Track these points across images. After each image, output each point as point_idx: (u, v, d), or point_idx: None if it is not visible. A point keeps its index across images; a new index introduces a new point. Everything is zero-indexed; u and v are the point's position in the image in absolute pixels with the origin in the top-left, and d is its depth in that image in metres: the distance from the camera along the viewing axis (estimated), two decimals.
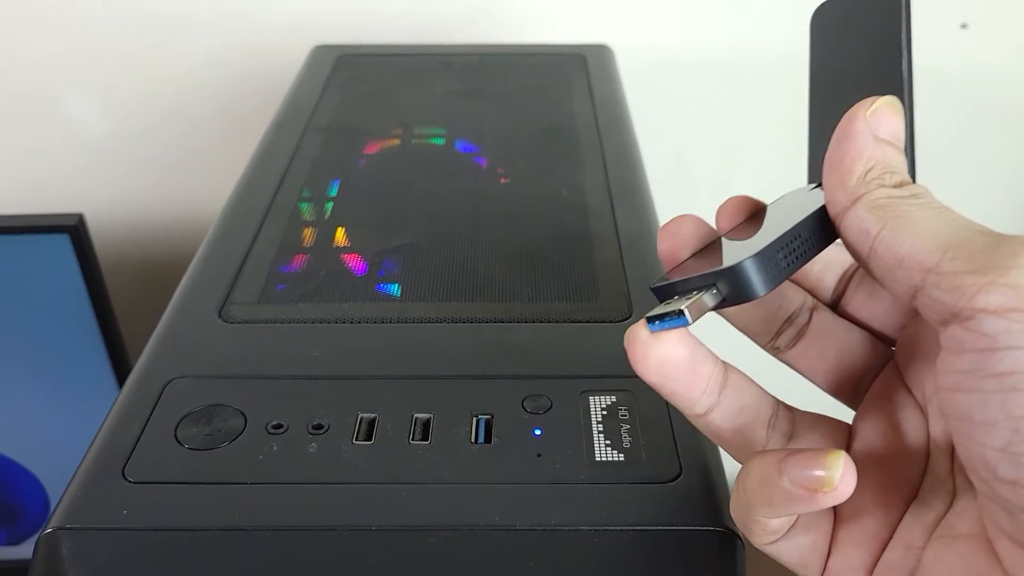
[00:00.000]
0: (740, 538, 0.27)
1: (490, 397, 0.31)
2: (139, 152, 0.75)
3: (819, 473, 0.21)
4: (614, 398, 0.31)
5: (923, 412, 0.25)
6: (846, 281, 0.28)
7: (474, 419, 0.30)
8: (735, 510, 0.25)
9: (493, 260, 0.39)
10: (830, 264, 0.28)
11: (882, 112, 0.23)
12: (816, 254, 0.24)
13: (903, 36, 0.25)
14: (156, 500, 0.27)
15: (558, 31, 0.72)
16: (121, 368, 0.60)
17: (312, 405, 0.31)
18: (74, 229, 0.55)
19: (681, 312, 0.22)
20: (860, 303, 0.28)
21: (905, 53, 0.25)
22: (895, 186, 0.23)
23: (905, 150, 0.24)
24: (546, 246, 0.40)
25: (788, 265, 0.23)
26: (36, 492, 0.65)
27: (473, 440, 0.30)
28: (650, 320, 0.23)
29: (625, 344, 0.24)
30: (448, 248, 0.40)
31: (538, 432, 0.30)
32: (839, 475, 0.21)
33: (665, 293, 0.24)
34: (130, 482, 0.28)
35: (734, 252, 0.24)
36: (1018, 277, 0.19)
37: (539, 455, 0.29)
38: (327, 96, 0.55)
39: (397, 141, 0.50)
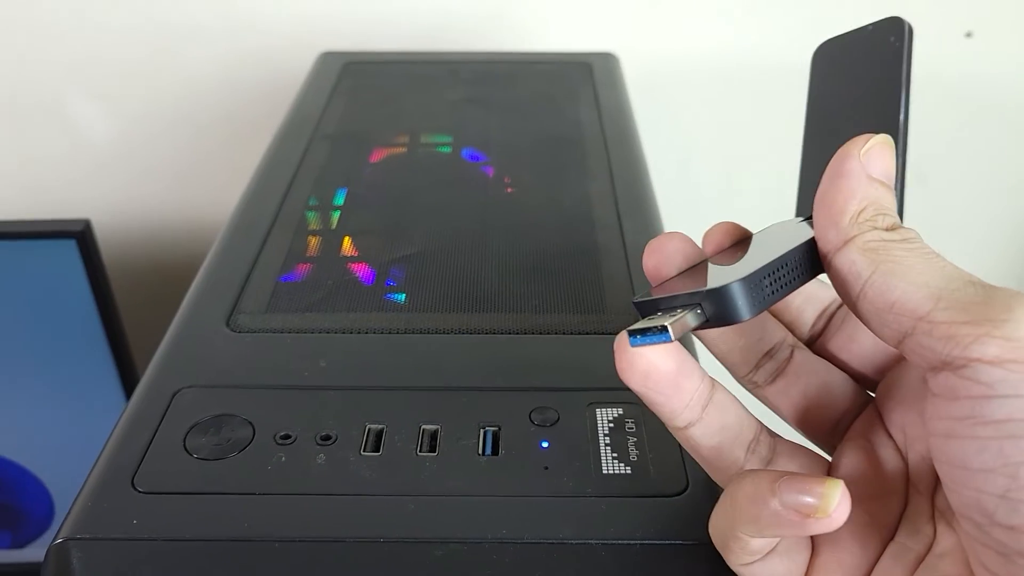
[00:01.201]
0: None
1: (497, 409, 0.31)
2: (144, 158, 0.75)
3: (811, 500, 0.21)
4: (621, 411, 0.31)
5: (903, 456, 0.26)
6: (826, 319, 0.28)
7: (481, 431, 0.30)
8: (715, 525, 0.25)
9: (500, 271, 0.39)
10: (811, 299, 0.28)
11: (876, 151, 0.24)
12: (800, 285, 0.25)
13: (903, 80, 0.25)
14: (166, 510, 0.27)
15: (562, 38, 0.72)
16: (127, 373, 0.60)
17: (320, 416, 0.31)
18: (81, 235, 0.55)
19: (664, 328, 0.23)
20: (841, 344, 0.28)
21: (903, 97, 0.25)
22: (887, 229, 0.23)
23: (896, 191, 0.25)
24: (553, 257, 0.40)
25: (773, 292, 0.24)
26: (41, 496, 0.65)
27: (480, 452, 0.30)
28: (632, 334, 0.23)
29: (614, 350, 0.24)
30: (455, 258, 0.40)
31: (545, 445, 0.30)
32: (835, 504, 0.21)
33: (648, 308, 0.25)
34: (139, 492, 0.28)
35: (719, 275, 0.24)
36: (1014, 330, 0.20)
37: (546, 468, 0.29)
38: (334, 103, 0.55)
39: (404, 149, 0.50)
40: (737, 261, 0.25)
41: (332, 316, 0.36)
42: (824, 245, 0.23)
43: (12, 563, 0.68)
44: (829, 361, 0.28)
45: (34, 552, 0.68)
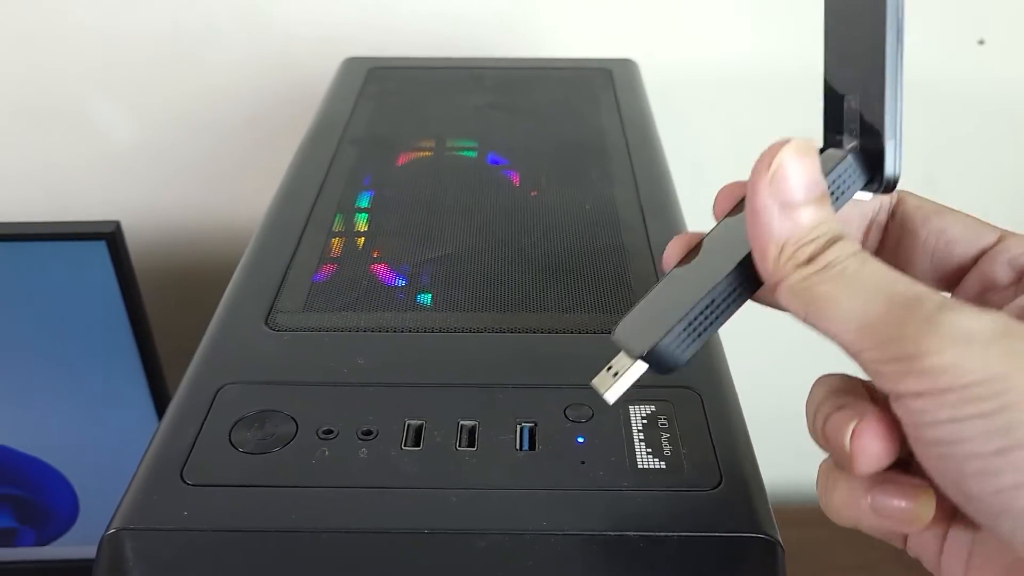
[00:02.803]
0: (781, 545, 0.27)
1: (533, 405, 0.32)
2: (168, 163, 0.76)
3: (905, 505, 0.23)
4: (653, 407, 0.32)
5: None
6: (879, 229, 0.28)
7: (518, 427, 0.31)
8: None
9: (530, 272, 0.40)
10: (847, 221, 0.28)
11: (782, 171, 0.23)
12: (743, 303, 0.26)
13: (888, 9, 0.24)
14: (214, 502, 0.28)
15: (578, 46, 0.73)
16: (154, 374, 0.61)
17: (360, 411, 0.32)
18: (111, 236, 0.56)
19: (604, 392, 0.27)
20: (918, 248, 0.28)
21: (891, 29, 0.24)
22: (808, 261, 0.23)
23: (892, 133, 0.24)
24: (580, 259, 0.41)
25: (706, 329, 0.25)
26: (67, 495, 0.66)
27: (518, 447, 0.30)
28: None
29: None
30: (485, 260, 0.41)
31: (581, 440, 0.31)
32: (929, 516, 0.23)
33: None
34: (188, 484, 0.29)
35: (659, 313, 0.26)
36: (924, 362, 0.21)
37: (583, 462, 0.30)
38: (360, 108, 0.56)
39: (430, 153, 0.51)
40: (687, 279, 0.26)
41: (367, 315, 0.37)
42: (765, 281, 0.24)
43: (36, 560, 0.69)
44: (902, 269, 0.28)
45: (58, 550, 0.69)
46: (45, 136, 0.75)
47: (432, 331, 0.36)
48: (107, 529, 0.28)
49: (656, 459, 0.30)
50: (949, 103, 0.77)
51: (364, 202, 0.46)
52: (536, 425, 0.31)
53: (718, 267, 0.25)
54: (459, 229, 0.43)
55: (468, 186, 0.47)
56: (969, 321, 0.20)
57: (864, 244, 0.29)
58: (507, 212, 0.45)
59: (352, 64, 0.62)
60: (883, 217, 0.28)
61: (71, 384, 0.61)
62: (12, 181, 0.77)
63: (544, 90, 0.59)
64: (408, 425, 0.31)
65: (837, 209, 0.25)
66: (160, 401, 0.62)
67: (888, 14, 0.24)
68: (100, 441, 0.63)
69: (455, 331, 0.36)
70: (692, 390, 0.33)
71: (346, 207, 0.45)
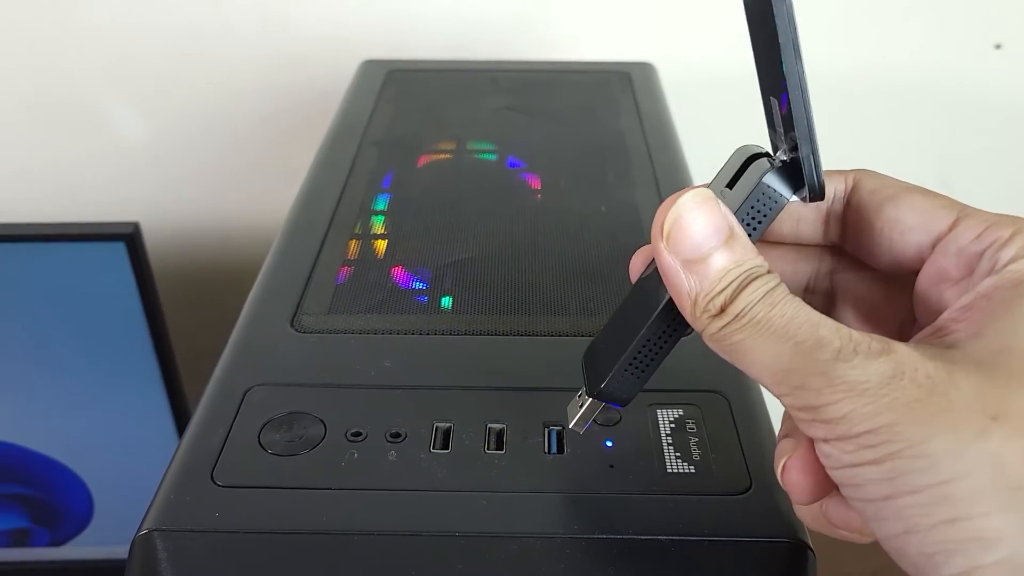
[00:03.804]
0: (812, 550, 0.27)
1: (559, 408, 0.32)
2: (184, 163, 0.76)
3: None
4: (681, 411, 0.32)
5: None
6: (838, 221, 0.27)
7: (546, 430, 0.31)
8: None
9: (551, 275, 0.40)
10: (802, 218, 0.27)
11: (680, 227, 0.23)
12: (680, 337, 0.26)
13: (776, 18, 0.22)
14: (246, 503, 0.28)
15: (596, 49, 0.73)
16: (170, 373, 0.61)
17: (388, 414, 0.32)
18: (130, 237, 0.56)
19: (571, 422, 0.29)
20: (875, 238, 0.26)
21: (785, 32, 0.22)
22: (721, 312, 0.23)
23: (807, 144, 0.23)
24: (604, 263, 0.41)
25: (648, 365, 0.26)
26: (82, 495, 0.66)
27: (547, 450, 0.30)
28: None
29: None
30: (508, 263, 0.41)
31: (610, 444, 0.31)
32: None
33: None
34: (219, 486, 0.29)
35: (611, 346, 0.27)
36: (823, 413, 0.22)
37: (612, 466, 0.30)
38: (379, 110, 0.56)
39: (450, 156, 0.51)
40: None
41: (392, 318, 0.37)
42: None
43: (50, 560, 0.69)
44: (867, 259, 0.27)
45: (72, 550, 0.69)
46: (61, 136, 0.75)
47: (457, 334, 0.36)
48: (139, 530, 0.28)
49: (685, 463, 0.30)
50: (965, 107, 0.76)
51: (385, 204, 0.46)
52: (564, 428, 0.31)
53: (652, 304, 0.26)
54: (481, 232, 0.43)
55: (489, 189, 0.47)
56: (857, 372, 0.21)
57: (825, 237, 0.28)
58: (528, 215, 0.45)
59: (370, 66, 0.62)
60: (839, 207, 0.27)
61: (87, 384, 0.61)
62: (29, 181, 0.77)
63: (563, 93, 0.59)
64: (436, 428, 0.31)
65: (761, 232, 0.25)
66: (176, 402, 0.62)
67: (780, 31, 0.22)
68: (116, 442, 0.63)
69: (480, 334, 0.36)
70: (719, 394, 0.33)
71: (368, 209, 0.45)
